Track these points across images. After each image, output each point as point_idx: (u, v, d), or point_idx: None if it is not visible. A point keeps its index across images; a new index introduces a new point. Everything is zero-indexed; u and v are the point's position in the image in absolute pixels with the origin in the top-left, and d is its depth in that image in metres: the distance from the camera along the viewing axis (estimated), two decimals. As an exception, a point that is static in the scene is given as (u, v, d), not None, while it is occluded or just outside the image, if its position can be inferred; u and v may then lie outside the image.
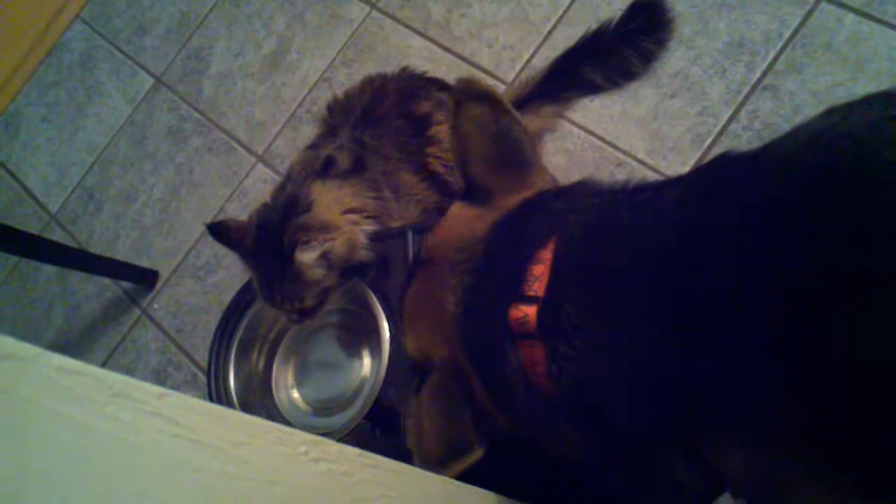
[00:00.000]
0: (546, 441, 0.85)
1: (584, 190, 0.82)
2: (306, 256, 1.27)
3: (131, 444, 0.46)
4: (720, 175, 0.69)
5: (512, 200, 0.85)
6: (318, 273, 1.29)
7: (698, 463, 0.67)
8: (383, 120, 1.45)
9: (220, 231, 1.41)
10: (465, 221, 0.87)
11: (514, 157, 0.89)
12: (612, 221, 0.73)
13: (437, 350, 0.81)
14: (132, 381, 0.47)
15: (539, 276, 0.72)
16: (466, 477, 0.84)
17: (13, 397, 0.41)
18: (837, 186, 0.57)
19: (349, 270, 1.34)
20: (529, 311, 0.71)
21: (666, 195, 0.71)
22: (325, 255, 1.29)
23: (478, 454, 0.77)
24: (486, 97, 0.89)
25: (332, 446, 0.63)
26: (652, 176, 1.52)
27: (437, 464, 0.77)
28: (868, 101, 0.64)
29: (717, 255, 0.62)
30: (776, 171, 0.63)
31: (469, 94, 0.89)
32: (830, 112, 0.64)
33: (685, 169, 1.52)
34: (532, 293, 0.72)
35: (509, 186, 0.87)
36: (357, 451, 0.66)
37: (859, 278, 0.55)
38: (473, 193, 0.88)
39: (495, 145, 0.89)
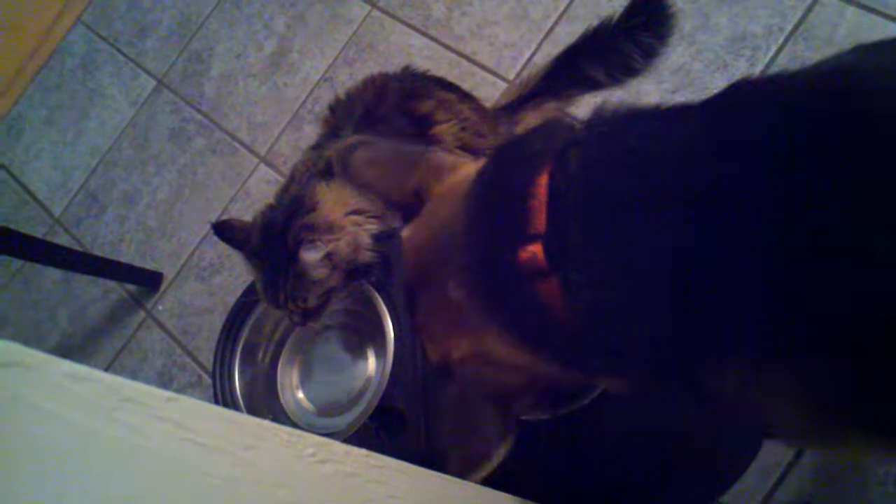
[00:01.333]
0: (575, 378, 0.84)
1: (559, 127, 0.82)
2: (311, 256, 1.27)
3: (140, 449, 0.46)
4: (729, 103, 0.68)
5: (447, 184, 0.86)
6: (321, 273, 1.29)
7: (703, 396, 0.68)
8: (385, 119, 1.45)
9: (224, 230, 1.41)
10: (424, 230, 0.87)
11: (413, 163, 0.92)
12: (615, 149, 0.73)
13: (453, 349, 0.81)
14: (141, 386, 0.47)
15: (536, 213, 0.72)
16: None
17: (22, 404, 0.41)
18: (844, 127, 0.57)
19: (353, 273, 1.34)
20: (536, 249, 0.71)
21: (670, 125, 0.70)
22: (329, 256, 1.29)
23: (503, 453, 0.77)
24: (360, 143, 0.93)
25: (339, 447, 0.63)
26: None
27: (464, 473, 0.78)
28: None
29: (715, 184, 0.62)
30: (788, 104, 0.62)
31: (348, 151, 0.93)
32: (856, 49, 0.64)
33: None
34: (534, 231, 0.72)
35: (430, 180, 0.89)
36: (364, 451, 0.66)
37: (854, 221, 0.55)
38: (411, 212, 0.90)
39: (395, 169, 0.92)
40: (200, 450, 0.50)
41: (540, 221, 0.71)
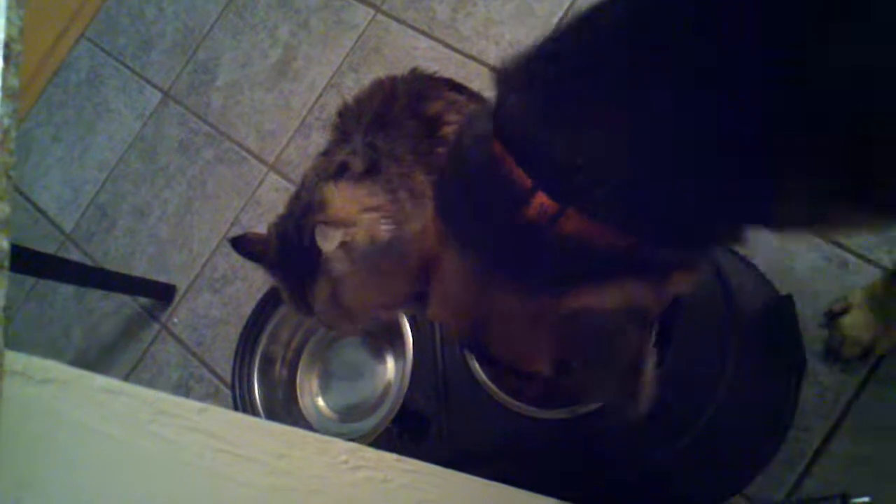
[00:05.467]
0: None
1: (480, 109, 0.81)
2: (329, 245, 1.27)
3: (176, 461, 0.46)
4: None
5: (426, 243, 0.84)
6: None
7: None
8: (395, 122, 1.44)
9: (242, 244, 1.41)
10: (448, 286, 0.85)
11: (404, 256, 0.89)
12: (548, 67, 0.72)
13: (551, 348, 0.79)
14: (173, 398, 0.47)
15: (512, 174, 0.71)
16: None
17: (59, 419, 0.41)
18: None
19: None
20: (537, 199, 0.70)
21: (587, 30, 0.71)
22: (347, 248, 1.28)
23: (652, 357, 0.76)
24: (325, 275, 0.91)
25: (371, 453, 0.63)
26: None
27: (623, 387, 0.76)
28: None
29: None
30: None
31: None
32: None
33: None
34: (524, 188, 0.70)
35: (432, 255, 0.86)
36: (395, 456, 0.66)
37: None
38: (423, 295, 0.88)
39: (387, 275, 0.89)
40: (235, 460, 0.50)
41: (521, 178, 0.70)
